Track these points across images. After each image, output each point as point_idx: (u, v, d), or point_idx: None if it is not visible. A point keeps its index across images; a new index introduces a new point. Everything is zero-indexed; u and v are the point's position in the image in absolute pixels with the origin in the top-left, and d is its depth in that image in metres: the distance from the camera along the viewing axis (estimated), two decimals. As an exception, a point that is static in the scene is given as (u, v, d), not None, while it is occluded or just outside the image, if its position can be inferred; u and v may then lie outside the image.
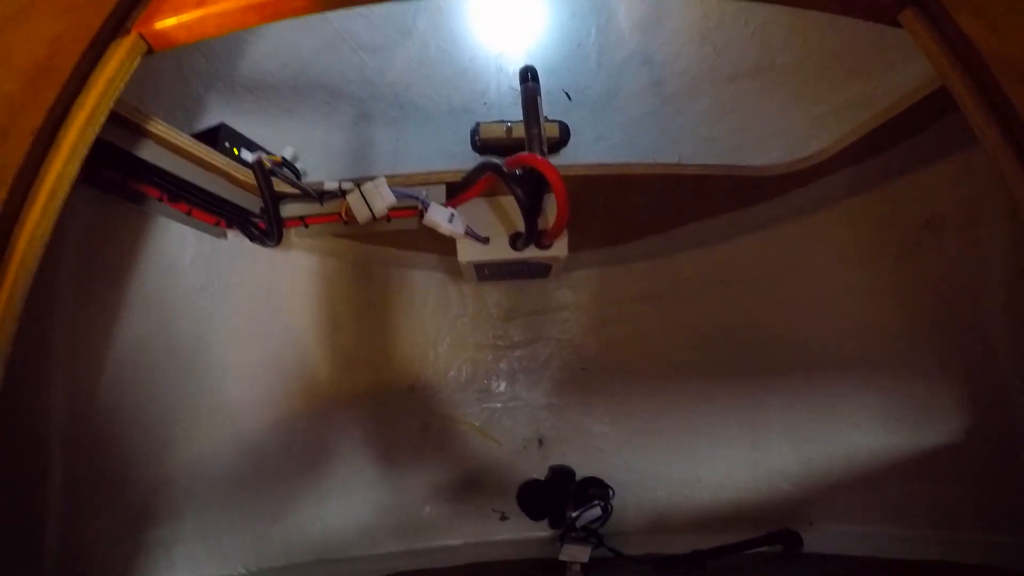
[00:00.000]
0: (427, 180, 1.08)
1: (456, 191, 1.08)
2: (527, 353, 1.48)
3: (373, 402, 1.40)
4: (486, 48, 1.49)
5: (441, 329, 1.46)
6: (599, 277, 1.46)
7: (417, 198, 1.05)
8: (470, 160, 1.42)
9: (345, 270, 1.35)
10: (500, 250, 1.11)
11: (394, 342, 1.43)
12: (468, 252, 1.11)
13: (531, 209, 1.02)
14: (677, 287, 1.41)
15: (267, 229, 1.10)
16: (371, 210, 1.03)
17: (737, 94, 1.30)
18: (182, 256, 1.16)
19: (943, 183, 1.12)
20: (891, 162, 1.13)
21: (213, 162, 0.99)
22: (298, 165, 1.22)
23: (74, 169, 0.74)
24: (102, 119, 0.77)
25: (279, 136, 1.25)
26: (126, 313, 1.06)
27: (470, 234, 1.09)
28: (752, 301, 1.35)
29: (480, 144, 1.44)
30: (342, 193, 1.06)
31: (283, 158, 1.07)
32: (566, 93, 1.46)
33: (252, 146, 1.09)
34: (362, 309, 1.39)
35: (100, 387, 1.05)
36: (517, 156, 1.02)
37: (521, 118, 1.42)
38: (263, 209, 1.07)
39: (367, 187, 1.04)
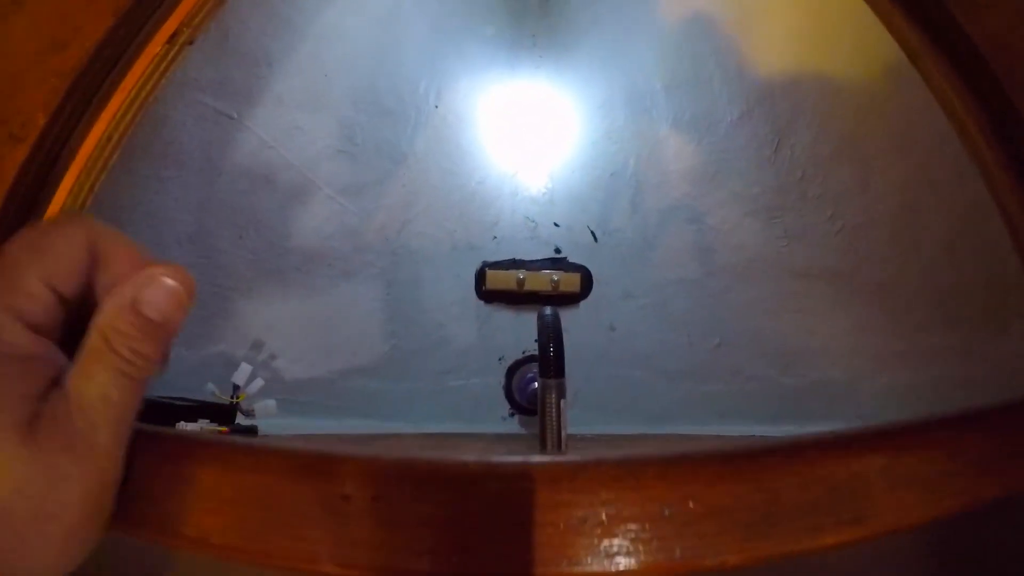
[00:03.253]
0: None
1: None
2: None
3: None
4: (499, 167, 1.10)
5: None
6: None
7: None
8: (472, 311, 1.09)
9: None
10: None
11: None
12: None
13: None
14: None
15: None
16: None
17: (802, 295, 0.95)
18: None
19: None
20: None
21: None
22: (264, 356, 0.91)
23: None
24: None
25: (236, 326, 0.92)
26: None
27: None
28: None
29: (486, 293, 1.10)
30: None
31: (224, 431, 0.76)
32: (591, 231, 1.10)
33: (188, 414, 0.77)
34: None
35: None
36: None
37: (536, 261, 1.11)
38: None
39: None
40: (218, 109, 0.84)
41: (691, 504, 0.37)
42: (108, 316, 0.31)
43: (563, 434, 0.73)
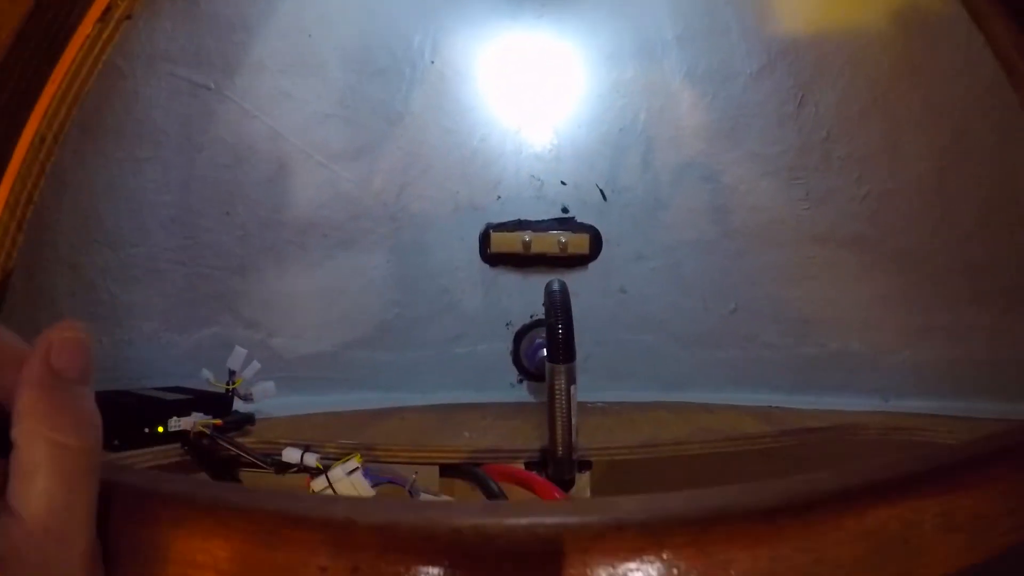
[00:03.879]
0: (414, 458, 0.72)
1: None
2: None
3: None
4: (502, 124, 1.02)
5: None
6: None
7: (402, 485, 0.71)
8: (477, 275, 1.03)
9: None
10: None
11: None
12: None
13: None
14: None
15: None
16: (341, 502, 0.70)
17: (823, 262, 0.88)
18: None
19: None
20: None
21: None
22: (262, 335, 0.86)
23: None
24: None
25: (228, 304, 0.86)
26: None
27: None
28: None
29: (491, 256, 1.03)
30: (305, 469, 0.72)
31: (218, 424, 0.71)
32: (600, 189, 1.02)
33: (181, 408, 0.71)
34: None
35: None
36: (517, 473, 0.67)
37: (543, 221, 1.04)
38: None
39: (335, 474, 0.69)
40: (194, 81, 0.75)
41: (726, 571, 0.32)
42: (34, 415, 0.26)
43: (573, 421, 0.68)
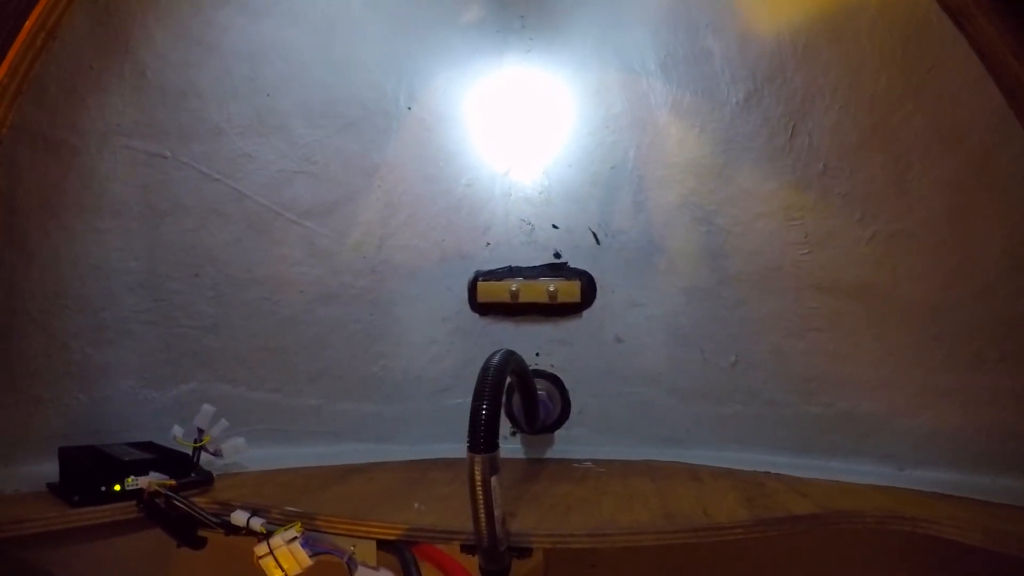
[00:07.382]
0: (352, 531, 0.68)
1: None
2: None
3: None
4: (490, 167, 0.97)
5: None
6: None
7: (340, 557, 0.67)
8: (467, 324, 0.98)
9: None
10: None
11: None
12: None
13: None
14: None
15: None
16: (282, 569, 0.67)
17: (829, 312, 0.76)
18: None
19: None
20: None
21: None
22: (240, 390, 0.85)
23: None
24: None
25: (204, 361, 0.86)
26: None
27: (406, 606, 0.70)
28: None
29: (479, 306, 0.98)
30: (251, 532, 0.70)
31: (176, 484, 0.71)
32: (593, 233, 0.94)
33: (138, 468, 0.71)
34: None
35: None
36: (446, 563, 0.60)
37: (534, 268, 0.97)
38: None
39: (276, 541, 0.67)
40: (149, 151, 0.76)
41: None
42: None
43: (497, 513, 0.59)
